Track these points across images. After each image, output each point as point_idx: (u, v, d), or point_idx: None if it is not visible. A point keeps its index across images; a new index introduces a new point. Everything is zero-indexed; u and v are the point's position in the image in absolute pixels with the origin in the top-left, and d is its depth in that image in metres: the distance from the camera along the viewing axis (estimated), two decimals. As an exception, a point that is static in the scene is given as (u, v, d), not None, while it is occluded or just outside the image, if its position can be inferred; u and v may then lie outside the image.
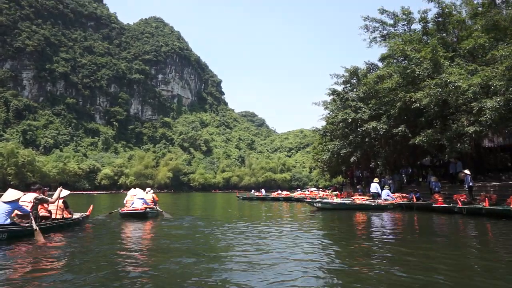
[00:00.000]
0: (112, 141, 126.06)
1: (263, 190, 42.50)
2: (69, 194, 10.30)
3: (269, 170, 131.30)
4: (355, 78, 23.49)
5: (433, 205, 13.70)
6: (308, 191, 37.66)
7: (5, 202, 7.44)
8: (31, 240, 7.00)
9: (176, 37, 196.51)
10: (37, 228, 7.32)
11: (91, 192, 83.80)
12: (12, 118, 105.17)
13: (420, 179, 22.98)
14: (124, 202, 14.08)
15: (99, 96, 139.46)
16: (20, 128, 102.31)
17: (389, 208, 14.94)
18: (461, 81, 13.24)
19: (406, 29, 20.05)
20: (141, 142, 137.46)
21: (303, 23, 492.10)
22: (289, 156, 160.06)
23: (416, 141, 15.28)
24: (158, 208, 14.65)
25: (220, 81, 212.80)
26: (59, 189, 9.08)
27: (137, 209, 12.58)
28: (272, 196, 33.46)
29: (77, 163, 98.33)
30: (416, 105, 14.85)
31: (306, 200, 17.11)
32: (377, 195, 16.04)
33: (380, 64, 23.84)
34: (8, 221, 7.36)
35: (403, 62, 18.04)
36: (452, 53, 16.01)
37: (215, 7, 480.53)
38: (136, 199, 13.26)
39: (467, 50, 15.13)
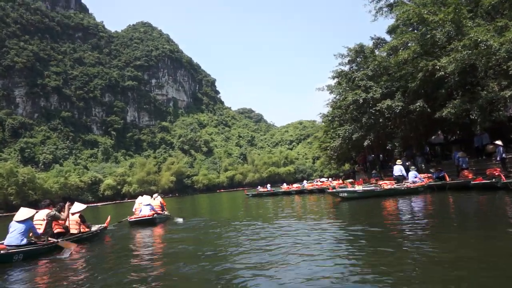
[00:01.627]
0: (112, 151, 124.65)
1: (268, 186, 41.65)
2: (86, 207, 10.20)
3: (272, 164, 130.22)
4: (361, 56, 21.97)
5: (472, 182, 12.30)
6: (317, 181, 36.36)
7: (18, 222, 7.28)
8: (49, 257, 6.87)
9: (165, 40, 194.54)
10: (58, 240, 7.33)
11: (95, 204, 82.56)
12: (9, 137, 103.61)
13: (433, 158, 21.64)
14: (133, 210, 14.20)
15: (94, 106, 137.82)
16: (17, 146, 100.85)
17: (420, 191, 13.59)
18: (492, 39, 11.81)
19: None
20: (141, 149, 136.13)
21: (294, 14, 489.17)
22: (291, 149, 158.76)
23: (444, 114, 13.87)
24: (166, 213, 14.77)
25: (214, 80, 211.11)
26: (67, 205, 8.91)
27: (145, 216, 12.62)
28: (283, 190, 32.22)
29: (78, 176, 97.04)
30: (440, 73, 13.40)
31: (329, 190, 15.75)
32: (402, 178, 14.67)
33: (388, 38, 22.37)
34: (25, 241, 7.19)
35: (417, 29, 16.58)
36: (470, 14, 14.51)
37: (203, 7, 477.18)
38: (144, 206, 13.36)
39: (491, 5, 13.57)
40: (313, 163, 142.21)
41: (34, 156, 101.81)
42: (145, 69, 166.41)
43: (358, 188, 14.49)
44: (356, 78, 20.64)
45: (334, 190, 14.74)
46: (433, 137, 21.63)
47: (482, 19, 14.21)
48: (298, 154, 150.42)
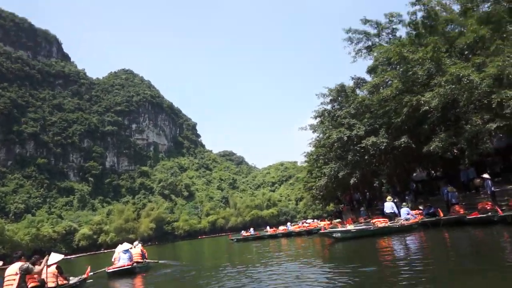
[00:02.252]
0: (89, 198, 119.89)
1: (252, 229, 40.60)
2: (62, 258, 9.62)
3: (255, 207, 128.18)
4: (342, 95, 22.44)
5: (467, 217, 12.02)
6: (303, 223, 35.57)
7: None
8: None
9: (146, 86, 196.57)
10: None
11: (69, 256, 77.49)
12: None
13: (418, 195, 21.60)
14: (112, 259, 13.48)
15: (72, 152, 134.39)
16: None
17: (414, 228, 13.19)
18: (473, 74, 12.19)
19: (391, 38, 19.45)
20: (119, 195, 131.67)
21: (274, 58, 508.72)
22: (273, 191, 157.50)
23: (432, 148, 13.90)
24: (148, 261, 14.56)
25: (195, 124, 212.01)
26: (46, 257, 8.50)
27: (124, 266, 11.95)
28: (269, 233, 31.26)
29: (51, 226, 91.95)
30: (425, 108, 13.61)
31: (321, 231, 15.12)
32: (394, 215, 14.28)
33: (367, 78, 23.09)
34: None
35: (397, 67, 17.13)
36: (447, 53, 15.16)
37: (183, 53, 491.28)
38: (122, 254, 12.69)
39: (467, 44, 14.26)
40: (296, 204, 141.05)
41: (5, 206, 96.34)
42: (126, 114, 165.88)
43: (351, 227, 13.95)
44: (339, 117, 20.83)
45: (326, 231, 14.14)
46: (414, 174, 21.71)
47: (457, 58, 14.87)
48: (281, 196, 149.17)
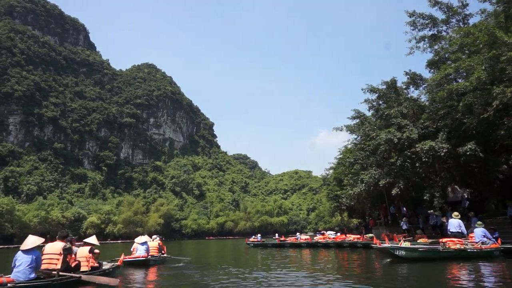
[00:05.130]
0: (100, 187, 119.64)
1: (259, 236, 39.14)
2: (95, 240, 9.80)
3: (265, 213, 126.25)
4: (393, 91, 20.03)
5: None
6: (319, 233, 33.21)
7: (25, 252, 6.70)
8: None
9: (168, 81, 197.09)
10: (81, 275, 6.89)
11: (78, 243, 76.51)
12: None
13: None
14: (131, 249, 13.92)
15: (89, 140, 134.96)
16: (1, 174, 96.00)
17: (495, 256, 10.72)
18: None
19: (462, 26, 16.98)
20: (130, 188, 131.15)
21: (297, 65, 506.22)
22: (285, 198, 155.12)
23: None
24: (165, 255, 15.08)
25: (212, 124, 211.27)
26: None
27: (139, 257, 12.61)
28: (290, 241, 29.06)
29: (61, 211, 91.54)
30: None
31: (377, 246, 12.79)
32: (460, 236, 11.82)
33: (427, 73, 20.51)
34: (33, 275, 6.65)
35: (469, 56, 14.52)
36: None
37: (208, 52, 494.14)
38: (140, 245, 13.24)
39: None
40: (308, 215, 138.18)
41: (18, 187, 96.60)
42: (145, 108, 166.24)
43: (418, 245, 11.53)
44: (389, 116, 18.42)
45: (387, 246, 11.72)
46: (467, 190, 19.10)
47: None
48: (293, 205, 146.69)
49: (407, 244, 11.58)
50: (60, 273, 6.90)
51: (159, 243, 15.24)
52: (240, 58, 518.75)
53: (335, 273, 9.52)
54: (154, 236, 16.05)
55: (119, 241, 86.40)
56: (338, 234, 28.47)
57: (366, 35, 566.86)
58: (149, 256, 13.11)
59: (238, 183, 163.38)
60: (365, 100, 22.22)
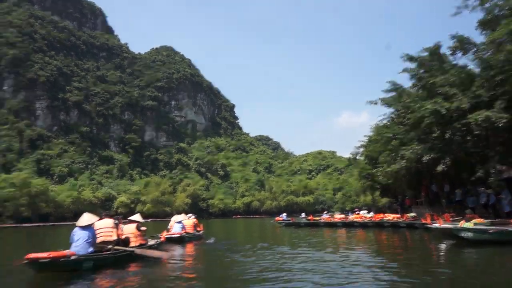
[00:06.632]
0: (128, 168, 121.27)
1: (284, 215, 39.49)
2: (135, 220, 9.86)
3: (291, 193, 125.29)
4: (436, 58, 18.00)
5: None
6: (353, 213, 31.65)
7: (82, 228, 7.17)
8: (117, 268, 6.94)
9: (187, 64, 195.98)
10: (134, 249, 7.46)
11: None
12: (26, 148, 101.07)
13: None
14: (168, 227, 14.75)
15: (113, 123, 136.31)
16: (33, 157, 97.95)
17: None
18: None
19: None
20: (157, 169, 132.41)
21: (320, 44, 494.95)
22: (310, 179, 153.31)
23: None
24: (199, 233, 15.79)
25: (233, 106, 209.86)
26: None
27: (175, 234, 13.44)
28: (324, 220, 28.39)
29: (92, 191, 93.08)
30: None
31: (439, 226, 11.41)
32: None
33: (479, 37, 18.41)
34: (91, 249, 7.10)
35: None
36: None
37: (225, 33, 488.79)
38: (176, 223, 14.34)
39: None
40: (334, 194, 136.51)
41: (50, 169, 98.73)
42: (166, 91, 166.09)
43: (486, 226, 9.95)
44: (435, 85, 16.54)
45: (449, 227, 10.23)
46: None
47: None
48: (318, 185, 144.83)
49: (469, 225, 9.79)
50: (115, 246, 7.48)
51: (194, 221, 15.95)
52: (259, 39, 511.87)
53: (399, 257, 9.01)
54: (189, 215, 16.91)
55: (149, 220, 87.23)
56: (371, 213, 27.11)
57: (391, 7, 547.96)
58: (184, 233, 13.99)
59: (262, 164, 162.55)
60: (404, 70, 20.46)
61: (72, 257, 6.51)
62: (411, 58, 20.37)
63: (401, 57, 20.45)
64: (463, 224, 10.34)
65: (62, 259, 6.33)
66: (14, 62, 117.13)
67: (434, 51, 19.41)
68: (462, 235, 9.91)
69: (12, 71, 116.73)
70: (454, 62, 19.19)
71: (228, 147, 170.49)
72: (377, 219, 23.02)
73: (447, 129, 16.10)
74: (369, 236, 17.67)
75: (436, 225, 12.01)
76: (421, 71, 20.15)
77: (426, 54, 20.00)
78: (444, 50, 19.78)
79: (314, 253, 9.71)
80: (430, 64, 19.41)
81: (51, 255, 6.22)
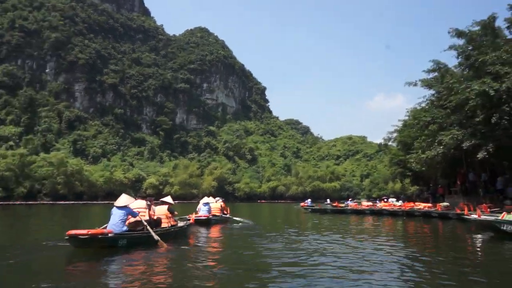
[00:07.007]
0: (158, 150, 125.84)
1: (309, 201, 39.30)
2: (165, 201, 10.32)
3: (317, 179, 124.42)
4: (489, 33, 16.63)
5: None
6: (380, 201, 31.16)
7: (119, 208, 7.70)
8: (148, 249, 7.35)
9: (220, 45, 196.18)
10: (159, 239, 7.63)
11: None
12: (64, 129, 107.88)
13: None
14: (196, 209, 15.20)
15: (146, 106, 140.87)
16: (71, 138, 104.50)
17: None
18: None
19: None
20: (186, 151, 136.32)
21: (356, 22, 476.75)
22: (338, 164, 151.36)
23: None
24: (226, 216, 16.24)
25: (265, 89, 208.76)
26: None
27: (201, 216, 13.98)
28: (350, 207, 28.00)
29: (123, 172, 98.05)
30: None
31: (478, 218, 11.02)
32: None
33: None
34: (125, 228, 7.62)
35: None
36: None
37: (260, 13, 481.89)
38: (203, 206, 14.75)
39: None
40: (361, 181, 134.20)
41: (85, 149, 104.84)
42: (198, 73, 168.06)
43: None
44: (484, 63, 15.20)
45: (489, 219, 9.90)
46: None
47: None
48: (345, 171, 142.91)
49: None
50: (147, 227, 7.88)
51: (221, 205, 16.36)
52: (292, 21, 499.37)
53: (440, 250, 8.69)
54: (217, 198, 17.25)
55: (176, 202, 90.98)
56: (400, 202, 26.42)
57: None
58: (211, 216, 14.47)
59: (290, 148, 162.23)
60: (450, 47, 18.67)
61: (110, 235, 7.16)
62: (460, 34, 18.78)
63: (448, 32, 19.13)
64: (505, 216, 10.01)
65: (100, 236, 6.96)
66: (56, 45, 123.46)
67: (488, 24, 17.87)
68: (504, 228, 9.58)
69: (54, 54, 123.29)
70: (510, 37, 17.84)
71: (257, 131, 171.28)
72: (407, 208, 22.31)
73: (493, 113, 15.04)
74: (400, 225, 16.85)
75: (474, 216, 11.59)
76: (470, 47, 18.69)
77: (477, 28, 18.56)
78: (500, 22, 18.21)
79: (349, 241, 9.69)
80: (481, 40, 18.06)
81: (89, 232, 6.81)
